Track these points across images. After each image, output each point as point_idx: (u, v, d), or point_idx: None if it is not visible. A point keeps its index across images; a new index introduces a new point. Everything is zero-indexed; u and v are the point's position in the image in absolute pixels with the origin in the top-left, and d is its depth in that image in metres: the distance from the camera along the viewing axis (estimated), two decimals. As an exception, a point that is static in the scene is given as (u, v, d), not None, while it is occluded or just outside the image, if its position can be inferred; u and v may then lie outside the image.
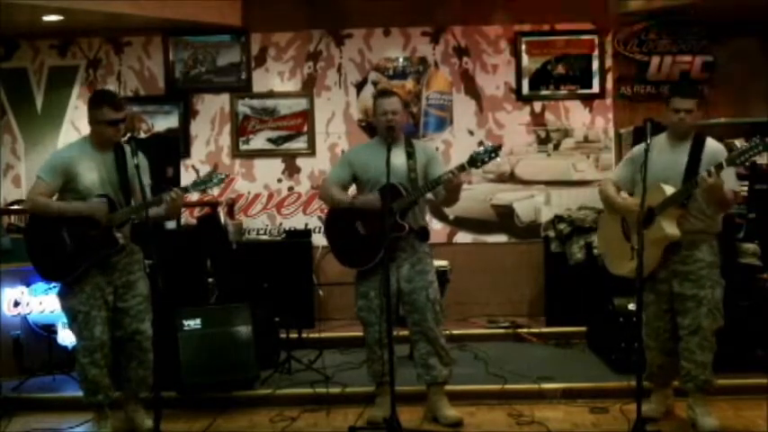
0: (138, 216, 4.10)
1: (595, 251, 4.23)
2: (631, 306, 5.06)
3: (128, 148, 4.15)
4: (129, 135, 4.15)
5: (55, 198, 4.19)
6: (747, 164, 3.90)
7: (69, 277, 4.16)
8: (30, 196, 4.20)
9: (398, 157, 4.27)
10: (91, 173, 4.14)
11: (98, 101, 4.16)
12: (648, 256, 4.00)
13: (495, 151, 4.14)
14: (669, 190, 4.07)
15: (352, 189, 4.59)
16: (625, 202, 4.31)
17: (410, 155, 4.37)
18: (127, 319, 4.25)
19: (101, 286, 4.18)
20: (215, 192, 6.83)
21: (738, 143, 4.66)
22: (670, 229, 4.06)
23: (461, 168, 4.15)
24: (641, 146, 4.17)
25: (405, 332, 4.52)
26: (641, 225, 3.92)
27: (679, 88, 4.28)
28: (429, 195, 4.37)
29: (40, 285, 5.31)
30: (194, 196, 6.37)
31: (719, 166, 3.86)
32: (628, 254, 4.25)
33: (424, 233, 4.42)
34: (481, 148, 4.16)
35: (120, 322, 4.24)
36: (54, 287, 5.29)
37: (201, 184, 4.20)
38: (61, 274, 4.20)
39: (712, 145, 4.17)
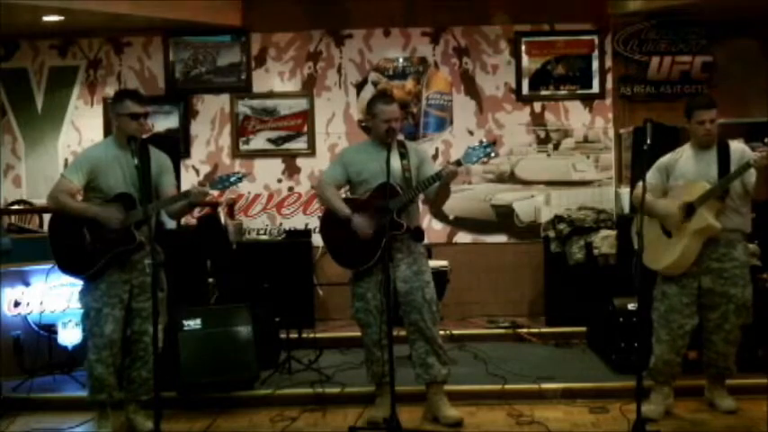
0: (162, 209, 4.14)
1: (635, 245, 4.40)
2: (631, 306, 5.06)
3: (153, 150, 4.30)
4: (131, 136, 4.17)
5: (80, 197, 4.29)
6: None
7: (88, 272, 4.20)
8: (52, 194, 4.23)
9: (393, 159, 4.27)
10: (115, 172, 4.21)
11: (121, 95, 4.33)
12: (690, 249, 4.27)
13: (490, 146, 4.20)
14: (708, 187, 4.25)
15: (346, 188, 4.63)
16: (665, 207, 4.40)
17: (403, 155, 4.40)
18: (138, 320, 4.27)
19: (117, 285, 4.21)
20: (215, 192, 6.84)
21: (740, 143, 4.73)
22: (712, 219, 4.23)
23: (457, 163, 4.24)
24: (670, 155, 4.47)
25: (404, 332, 4.52)
26: (642, 222, 4.03)
27: (699, 101, 4.49)
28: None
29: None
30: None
31: None
32: (668, 249, 4.36)
33: (418, 233, 4.43)
34: (476, 143, 4.24)
35: (130, 322, 4.27)
36: (58, 287, 5.33)
37: (220, 183, 4.23)
38: (80, 268, 4.24)
39: (736, 146, 4.42)
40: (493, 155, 4.29)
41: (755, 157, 4.09)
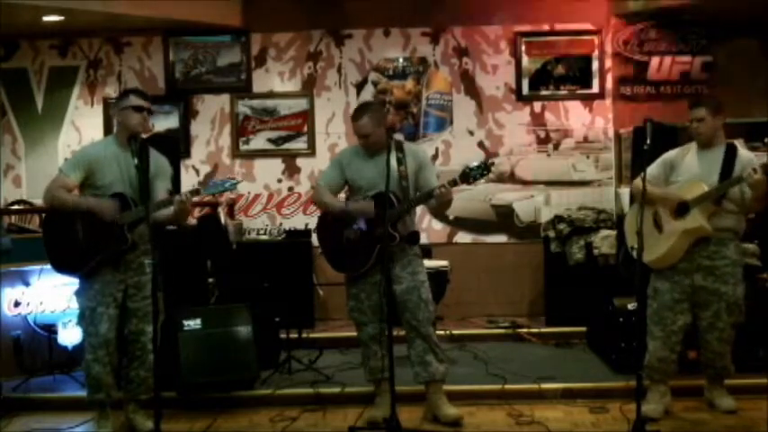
0: (149, 215, 4.10)
1: (630, 247, 4.42)
2: (631, 306, 5.06)
3: (153, 152, 4.28)
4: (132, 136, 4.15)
5: (75, 192, 4.28)
6: None
7: (79, 271, 4.20)
8: (49, 189, 4.23)
9: (391, 163, 4.26)
10: (112, 170, 4.21)
11: (125, 91, 4.41)
12: (676, 247, 4.32)
13: (487, 168, 4.17)
14: (707, 187, 4.27)
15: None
16: (664, 192, 4.43)
17: (400, 161, 4.35)
18: (134, 319, 4.26)
19: (111, 284, 4.20)
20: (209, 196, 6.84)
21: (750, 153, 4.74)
22: (704, 221, 4.27)
23: (453, 183, 4.19)
24: (677, 150, 4.50)
25: (402, 332, 4.52)
26: (641, 221, 4.06)
27: (690, 100, 4.60)
28: None
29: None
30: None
31: (766, 165, 4.09)
32: (657, 243, 4.38)
33: (413, 238, 4.42)
34: (474, 164, 4.19)
35: (126, 322, 4.26)
36: (58, 287, 5.32)
37: (213, 188, 4.23)
38: (72, 266, 4.25)
39: (744, 154, 4.41)
40: (491, 175, 4.33)
41: (749, 173, 4.09)
